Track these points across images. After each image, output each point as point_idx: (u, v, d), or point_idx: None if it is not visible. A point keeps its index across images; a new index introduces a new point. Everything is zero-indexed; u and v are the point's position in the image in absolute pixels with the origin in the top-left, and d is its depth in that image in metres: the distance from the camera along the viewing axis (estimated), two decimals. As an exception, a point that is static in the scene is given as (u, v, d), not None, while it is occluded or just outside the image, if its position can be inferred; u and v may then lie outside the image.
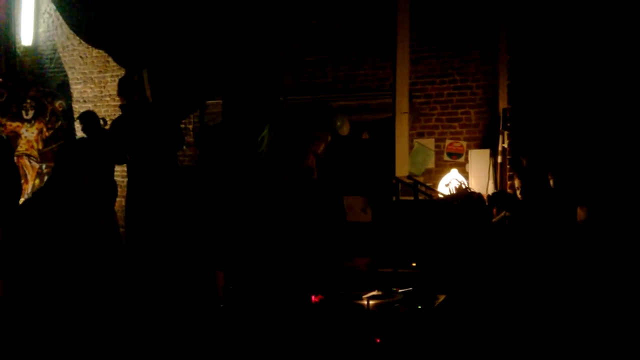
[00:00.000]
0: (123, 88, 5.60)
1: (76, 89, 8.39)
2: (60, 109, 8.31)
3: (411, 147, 6.51)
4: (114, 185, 6.91)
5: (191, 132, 7.63)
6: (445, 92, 6.72)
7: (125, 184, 8.07)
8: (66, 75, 8.43)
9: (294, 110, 2.36)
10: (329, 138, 2.30)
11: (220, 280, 2.10)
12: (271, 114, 2.31)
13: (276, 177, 2.20)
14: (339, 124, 6.09)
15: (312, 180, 3.17)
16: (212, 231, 2.13)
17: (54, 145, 8.15)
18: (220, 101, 7.03)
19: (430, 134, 6.76)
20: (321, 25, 7.11)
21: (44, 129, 8.44)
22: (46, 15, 8.61)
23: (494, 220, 4.30)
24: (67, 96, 8.45)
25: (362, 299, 2.41)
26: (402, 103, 5.35)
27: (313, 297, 2.41)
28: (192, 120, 7.63)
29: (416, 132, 6.75)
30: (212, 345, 2.04)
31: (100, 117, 6.92)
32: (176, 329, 3.46)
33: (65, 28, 7.76)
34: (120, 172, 8.03)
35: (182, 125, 7.32)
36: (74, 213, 2.52)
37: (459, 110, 6.68)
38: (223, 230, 2.11)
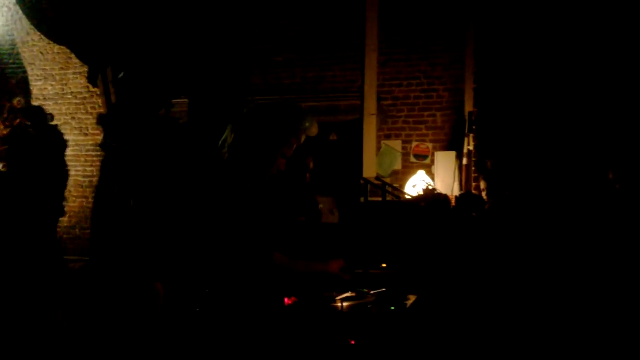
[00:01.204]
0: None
1: (36, 86, 8.15)
2: (19, 107, 8.05)
3: (379, 148, 6.57)
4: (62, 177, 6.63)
5: (156, 132, 7.50)
6: (413, 95, 6.81)
7: (86, 184, 7.89)
8: (26, 72, 8.17)
9: (261, 111, 2.21)
10: (303, 139, 2.23)
11: (160, 292, 2.01)
12: (236, 114, 2.19)
13: (240, 181, 2.07)
14: (307, 124, 6.07)
15: (289, 183, 3.13)
16: (159, 239, 2.03)
17: (11, 144, 7.89)
18: (187, 100, 6.93)
19: (397, 136, 6.83)
20: (290, 26, 7.10)
21: (1, 127, 8.14)
22: (5, 9, 8.31)
23: (461, 220, 4.36)
24: (27, 93, 8.18)
25: (335, 301, 2.42)
26: (371, 105, 5.38)
27: (286, 300, 2.40)
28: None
29: (384, 134, 6.81)
30: (186, 350, 2.00)
31: (47, 112, 6.65)
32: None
33: (26, 22, 7.52)
34: (82, 172, 7.84)
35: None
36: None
37: (426, 113, 6.78)
38: (177, 236, 2.01)
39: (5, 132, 8.62)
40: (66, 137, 8.61)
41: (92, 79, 6.52)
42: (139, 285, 1.98)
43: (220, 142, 2.12)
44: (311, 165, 3.68)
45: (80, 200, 7.78)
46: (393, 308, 2.42)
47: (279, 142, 2.09)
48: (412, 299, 2.57)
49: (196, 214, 1.99)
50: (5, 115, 8.61)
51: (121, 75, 5.54)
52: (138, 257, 2.00)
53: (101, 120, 5.25)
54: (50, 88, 8.08)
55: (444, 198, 4.81)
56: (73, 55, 7.45)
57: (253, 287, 2.10)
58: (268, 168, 2.09)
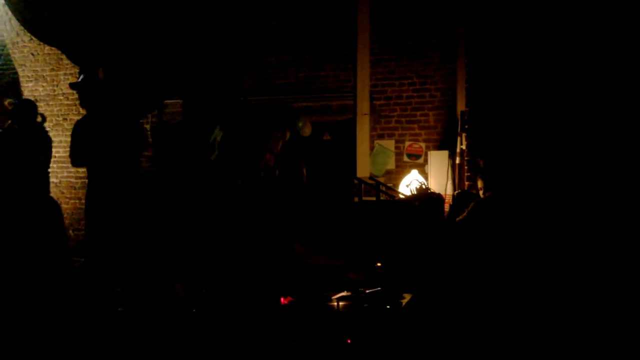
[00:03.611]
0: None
1: (27, 87, 8.09)
2: (10, 108, 8.00)
3: (372, 148, 6.58)
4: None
5: (149, 132, 7.49)
6: (405, 95, 6.83)
7: (78, 185, 7.85)
8: (16, 73, 8.12)
9: (248, 109, 2.26)
10: (287, 135, 2.22)
11: (180, 293, 2.01)
12: (224, 114, 2.20)
13: (230, 180, 2.10)
14: (300, 124, 6.09)
15: (295, 184, 3.11)
16: (169, 241, 2.03)
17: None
18: (180, 101, 6.91)
19: (390, 136, 6.85)
20: (282, 26, 7.10)
21: (-8, 128, 8.09)
22: (-6, 10, 8.26)
23: (458, 219, 4.39)
24: (17, 95, 8.13)
25: (331, 300, 2.43)
26: (363, 105, 5.40)
27: (282, 299, 2.40)
28: (149, 120, 7.48)
29: (377, 134, 6.83)
30: (184, 350, 2.00)
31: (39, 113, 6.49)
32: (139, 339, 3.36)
33: (15, 23, 7.47)
34: (74, 174, 7.80)
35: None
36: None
37: (418, 112, 6.80)
38: (181, 238, 2.01)
39: (-5, 133, 8.32)
40: (58, 139, 8.56)
41: (83, 80, 6.46)
42: (158, 286, 2.00)
43: (211, 141, 2.16)
44: (304, 171, 3.56)
45: (73, 201, 7.75)
46: (388, 307, 2.43)
47: (263, 136, 2.12)
48: (407, 297, 2.58)
49: (188, 213, 2.01)
50: (-4, 116, 8.31)
51: (81, 77, 5.37)
52: (156, 259, 2.01)
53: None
54: (41, 89, 8.04)
55: (437, 197, 4.83)
56: (64, 56, 7.42)
57: (250, 287, 2.10)
58: (256, 163, 2.12)
